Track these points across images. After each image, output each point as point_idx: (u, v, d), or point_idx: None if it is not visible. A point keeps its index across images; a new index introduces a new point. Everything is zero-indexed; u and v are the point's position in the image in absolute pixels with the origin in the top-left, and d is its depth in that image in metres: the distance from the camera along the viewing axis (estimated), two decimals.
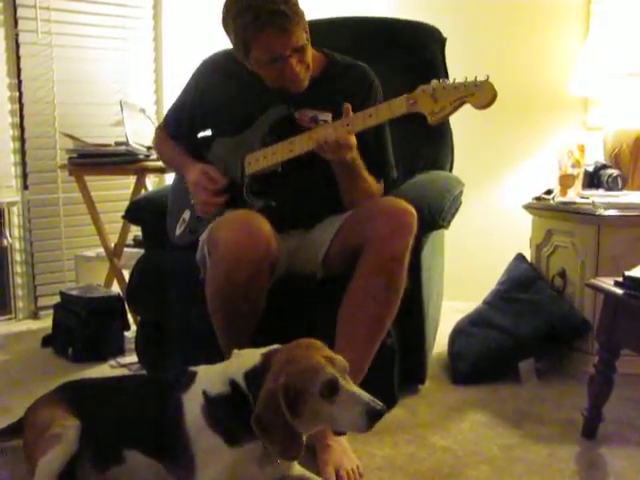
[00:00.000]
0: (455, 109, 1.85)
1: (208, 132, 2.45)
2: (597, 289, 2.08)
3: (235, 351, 1.70)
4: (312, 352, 1.56)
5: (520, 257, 2.97)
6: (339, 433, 1.87)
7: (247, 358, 1.63)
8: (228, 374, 1.62)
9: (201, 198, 2.22)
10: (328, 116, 2.11)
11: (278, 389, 1.49)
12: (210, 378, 1.65)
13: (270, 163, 2.12)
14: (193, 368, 1.71)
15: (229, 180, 2.20)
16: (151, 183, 3.79)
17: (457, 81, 1.84)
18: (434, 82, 1.88)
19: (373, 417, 1.50)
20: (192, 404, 1.62)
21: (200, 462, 1.59)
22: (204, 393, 1.62)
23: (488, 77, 1.80)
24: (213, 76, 2.36)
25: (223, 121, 2.32)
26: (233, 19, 2.04)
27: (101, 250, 3.54)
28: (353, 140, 1.97)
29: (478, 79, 1.80)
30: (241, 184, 2.18)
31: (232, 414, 1.59)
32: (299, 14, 2.05)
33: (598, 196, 2.73)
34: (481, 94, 1.80)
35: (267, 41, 2.03)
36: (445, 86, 1.86)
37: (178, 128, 2.46)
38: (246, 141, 2.22)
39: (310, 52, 2.14)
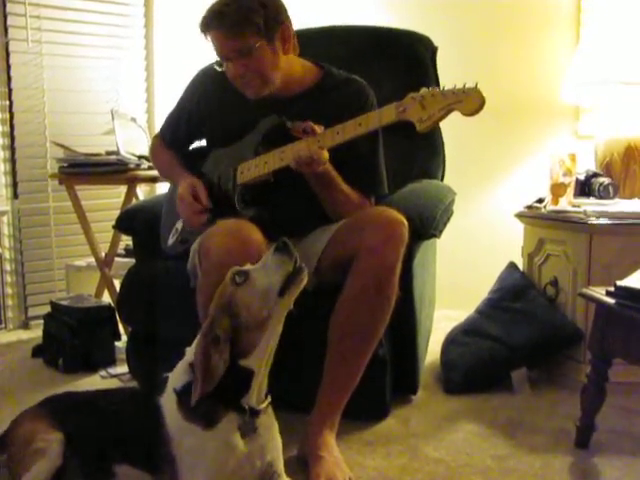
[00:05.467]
0: (443, 116, 1.87)
1: (203, 142, 2.46)
2: (589, 299, 2.08)
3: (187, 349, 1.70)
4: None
5: (512, 266, 2.96)
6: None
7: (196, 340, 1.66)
8: (187, 362, 1.65)
9: (185, 213, 2.23)
10: (320, 127, 2.11)
11: (205, 326, 1.58)
12: (176, 375, 1.67)
13: (262, 172, 2.12)
14: (166, 374, 1.72)
15: (212, 199, 2.21)
16: (142, 193, 3.77)
17: (446, 89, 1.85)
18: (423, 90, 1.89)
19: (279, 248, 1.57)
20: (169, 405, 1.64)
21: (185, 466, 1.59)
22: (174, 390, 1.64)
23: (476, 84, 1.80)
24: (209, 85, 2.38)
25: (218, 130, 2.34)
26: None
27: (92, 260, 3.52)
28: (325, 155, 1.99)
29: (467, 86, 1.81)
30: (234, 193, 2.17)
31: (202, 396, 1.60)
32: (250, 20, 2.08)
33: (590, 205, 2.73)
34: (469, 101, 1.80)
35: (213, 40, 2.14)
36: (434, 94, 1.86)
37: (175, 137, 2.46)
38: (239, 151, 2.22)
39: (267, 61, 2.14)
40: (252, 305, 1.58)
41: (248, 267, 1.63)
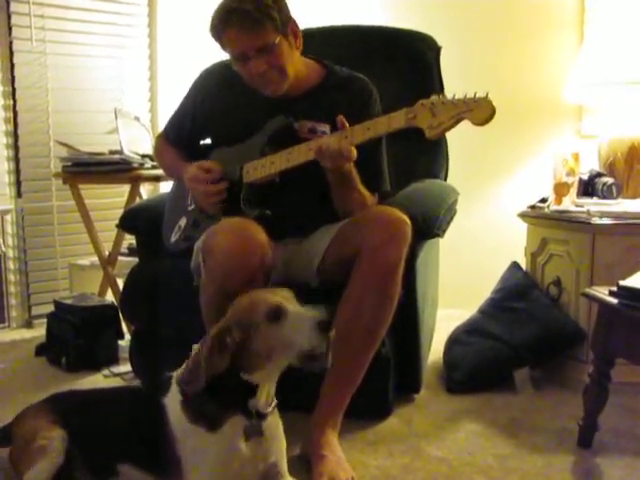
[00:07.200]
0: (453, 125, 1.84)
1: (208, 141, 2.46)
2: (592, 299, 2.08)
3: (194, 346, 1.69)
4: (254, 293, 1.66)
5: (515, 265, 2.96)
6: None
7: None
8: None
9: (200, 189, 2.21)
10: (326, 127, 2.11)
11: (215, 331, 1.58)
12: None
13: (268, 173, 2.12)
14: (170, 373, 1.71)
15: (224, 170, 2.20)
16: (145, 191, 3.78)
17: (456, 97, 1.83)
18: (434, 97, 1.87)
19: (324, 328, 1.53)
20: (173, 404, 1.63)
21: (189, 466, 1.58)
22: (179, 389, 1.63)
23: (487, 94, 1.78)
24: (214, 85, 2.37)
25: (223, 130, 2.33)
26: (211, 19, 2.12)
27: (95, 259, 3.52)
28: (354, 152, 1.97)
29: (477, 95, 1.79)
30: (238, 193, 2.18)
31: (207, 398, 1.60)
32: (269, 15, 2.06)
33: (593, 204, 2.73)
34: (479, 111, 1.78)
35: (231, 39, 2.09)
36: (444, 101, 1.84)
37: (179, 136, 2.46)
38: (245, 150, 2.22)
39: (286, 55, 2.13)
40: (272, 345, 1.57)
41: (287, 307, 1.58)
